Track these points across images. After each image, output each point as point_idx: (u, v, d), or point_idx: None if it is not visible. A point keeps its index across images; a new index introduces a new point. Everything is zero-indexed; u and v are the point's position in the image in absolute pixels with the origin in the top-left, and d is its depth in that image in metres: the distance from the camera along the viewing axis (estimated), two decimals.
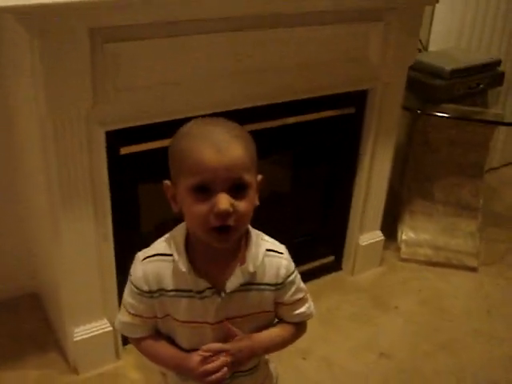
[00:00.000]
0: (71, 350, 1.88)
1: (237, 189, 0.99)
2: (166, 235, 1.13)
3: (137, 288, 1.10)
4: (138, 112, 1.65)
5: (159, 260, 1.09)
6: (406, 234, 2.73)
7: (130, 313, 1.13)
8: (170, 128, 1.73)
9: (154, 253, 1.10)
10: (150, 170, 1.80)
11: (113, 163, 1.70)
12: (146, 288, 1.09)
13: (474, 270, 2.62)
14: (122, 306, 1.15)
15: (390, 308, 2.34)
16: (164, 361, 1.16)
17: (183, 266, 1.06)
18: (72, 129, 1.55)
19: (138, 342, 1.16)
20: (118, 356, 1.95)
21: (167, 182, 1.07)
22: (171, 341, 1.15)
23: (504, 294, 2.48)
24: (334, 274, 2.53)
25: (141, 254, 1.12)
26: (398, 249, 2.70)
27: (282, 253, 1.15)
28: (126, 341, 1.95)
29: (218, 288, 1.08)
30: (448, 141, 2.61)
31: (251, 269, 1.08)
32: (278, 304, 1.16)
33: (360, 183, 2.35)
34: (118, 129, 1.65)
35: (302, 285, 1.19)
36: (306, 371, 2.00)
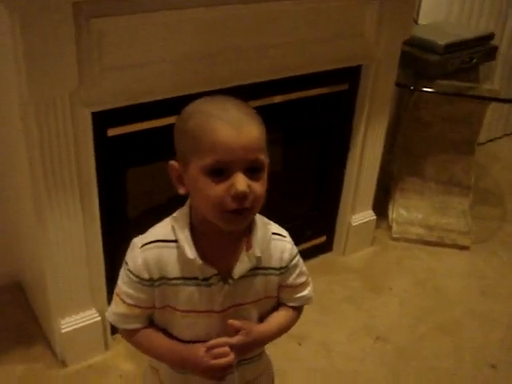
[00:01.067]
0: (58, 342, 1.80)
1: (252, 170, 0.94)
2: (166, 220, 1.06)
3: (136, 276, 1.02)
4: (126, 92, 1.56)
5: (160, 246, 1.02)
6: (397, 213, 2.68)
7: (126, 303, 1.05)
8: (159, 108, 1.67)
9: (153, 239, 1.03)
10: (139, 153, 1.72)
11: (100, 145, 1.60)
12: (146, 276, 1.01)
13: (466, 248, 2.59)
14: (115, 296, 1.07)
15: (384, 289, 2.30)
16: (161, 353, 1.09)
17: (190, 253, 0.99)
18: (55, 110, 1.45)
19: (131, 333, 1.08)
20: (107, 346, 1.88)
21: (173, 162, 1.00)
22: (167, 333, 1.09)
23: (498, 274, 2.45)
24: (325, 255, 2.48)
25: (138, 241, 1.04)
26: (389, 227, 2.66)
27: (285, 236, 1.11)
28: (114, 330, 1.88)
29: (224, 274, 1.03)
30: (440, 117, 2.55)
31: (258, 253, 1.03)
32: (281, 287, 1.12)
33: (352, 162, 2.28)
34: (105, 109, 1.55)
35: (304, 268, 1.15)
36: (303, 357, 1.95)
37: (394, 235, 2.63)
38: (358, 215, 2.43)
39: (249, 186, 0.92)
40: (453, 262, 2.51)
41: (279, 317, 1.13)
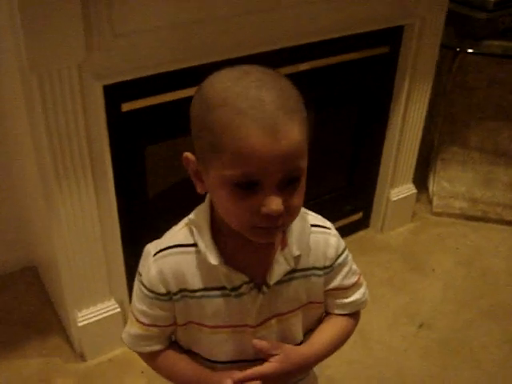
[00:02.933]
0: (76, 336, 1.67)
1: (290, 180, 0.75)
2: (183, 221, 0.89)
3: (150, 291, 0.86)
4: (142, 61, 1.38)
5: (178, 253, 0.85)
6: (438, 185, 2.49)
7: (142, 323, 0.89)
8: (180, 78, 1.48)
9: (169, 244, 0.86)
10: (158, 128, 1.56)
11: (113, 122, 1.43)
12: (162, 290, 0.85)
13: None
14: (130, 316, 0.92)
15: (426, 271, 2.12)
16: (185, 381, 0.92)
17: (213, 258, 0.82)
18: (62, 84, 1.28)
19: (152, 357, 0.93)
20: None
21: (189, 154, 0.81)
22: (193, 354, 0.93)
23: None
24: (361, 233, 2.30)
25: (152, 248, 0.87)
26: (430, 201, 2.47)
27: (328, 228, 0.92)
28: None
29: (257, 281, 0.85)
30: (487, 81, 2.36)
31: (296, 252, 0.86)
32: (327, 291, 0.94)
33: (392, 132, 2.09)
34: (118, 82, 1.38)
35: (355, 266, 0.97)
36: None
37: (435, 210, 2.44)
38: (397, 189, 2.24)
39: (284, 203, 0.74)
40: (499, 239, 2.31)
41: (327, 332, 0.95)
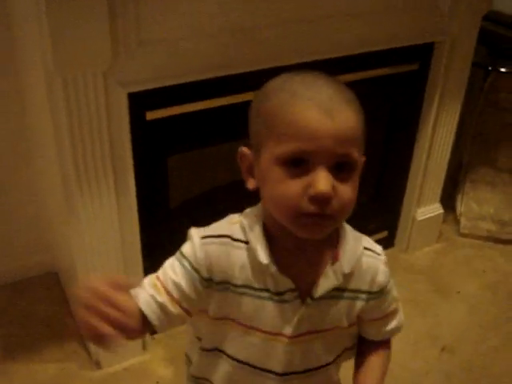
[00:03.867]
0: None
1: (341, 168, 0.75)
2: (233, 216, 0.86)
3: (194, 269, 0.81)
4: (168, 70, 1.38)
5: (226, 244, 0.82)
6: (466, 206, 2.44)
7: (168, 291, 0.81)
8: (206, 88, 1.47)
9: (219, 233, 0.83)
10: (182, 139, 1.55)
11: (137, 130, 1.43)
12: (205, 274, 0.81)
13: None
14: (153, 280, 0.83)
15: (451, 293, 2.07)
16: None
17: (263, 256, 0.79)
18: (86, 89, 1.28)
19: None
20: (145, 348, 1.73)
21: (244, 148, 0.81)
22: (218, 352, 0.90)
23: None
24: (386, 252, 2.21)
25: (198, 231, 0.83)
26: (457, 222, 2.42)
27: (379, 253, 0.90)
28: (154, 331, 1.72)
29: (302, 291, 0.83)
30: None
31: (346, 269, 0.83)
32: (369, 320, 0.92)
33: (420, 150, 2.06)
34: (144, 90, 1.38)
35: (396, 292, 0.95)
36: None
37: (462, 231, 2.39)
38: (423, 209, 2.21)
39: (333, 188, 0.73)
40: None
41: (378, 366, 0.95)
